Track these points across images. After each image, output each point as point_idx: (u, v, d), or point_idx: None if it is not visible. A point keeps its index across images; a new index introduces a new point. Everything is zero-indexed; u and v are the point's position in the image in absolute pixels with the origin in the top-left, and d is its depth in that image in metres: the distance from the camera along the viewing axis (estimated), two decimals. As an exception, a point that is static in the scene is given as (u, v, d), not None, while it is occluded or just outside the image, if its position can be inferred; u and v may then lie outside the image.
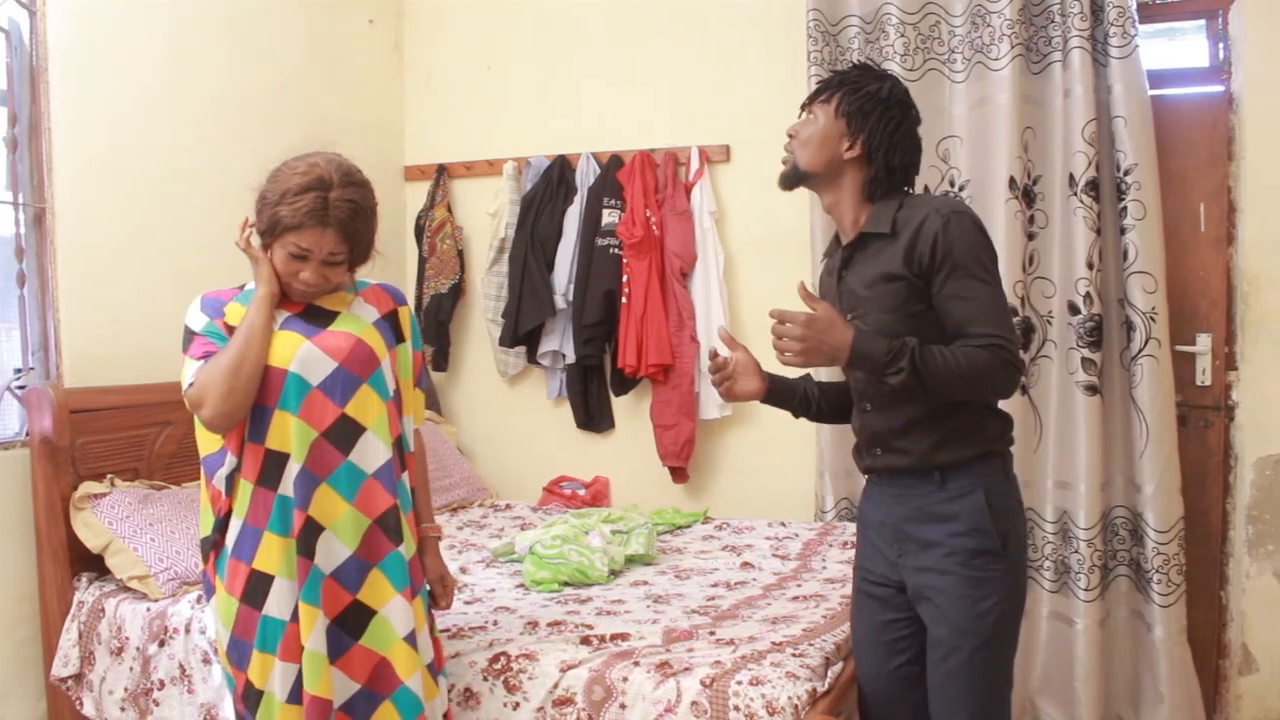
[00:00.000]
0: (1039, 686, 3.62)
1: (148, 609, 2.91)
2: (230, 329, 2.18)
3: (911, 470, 2.15)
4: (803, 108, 2.27)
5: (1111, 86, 3.45)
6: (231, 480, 2.17)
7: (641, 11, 4.29)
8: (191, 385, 2.13)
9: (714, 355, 2.34)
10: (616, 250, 4.13)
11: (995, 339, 2.00)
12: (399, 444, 2.27)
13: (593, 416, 4.37)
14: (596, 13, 4.37)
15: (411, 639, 2.18)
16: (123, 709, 2.91)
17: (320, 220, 2.09)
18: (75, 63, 3.25)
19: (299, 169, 2.13)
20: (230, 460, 2.17)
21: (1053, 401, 3.60)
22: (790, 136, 2.25)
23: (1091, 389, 3.49)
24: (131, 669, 2.90)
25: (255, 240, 2.22)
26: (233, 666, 2.19)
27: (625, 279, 4.11)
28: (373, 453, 2.18)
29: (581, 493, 4.34)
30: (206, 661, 2.77)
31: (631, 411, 4.33)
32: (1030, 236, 3.60)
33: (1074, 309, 3.52)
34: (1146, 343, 3.43)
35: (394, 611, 2.17)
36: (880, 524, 2.24)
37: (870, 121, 2.15)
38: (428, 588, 2.37)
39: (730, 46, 4.15)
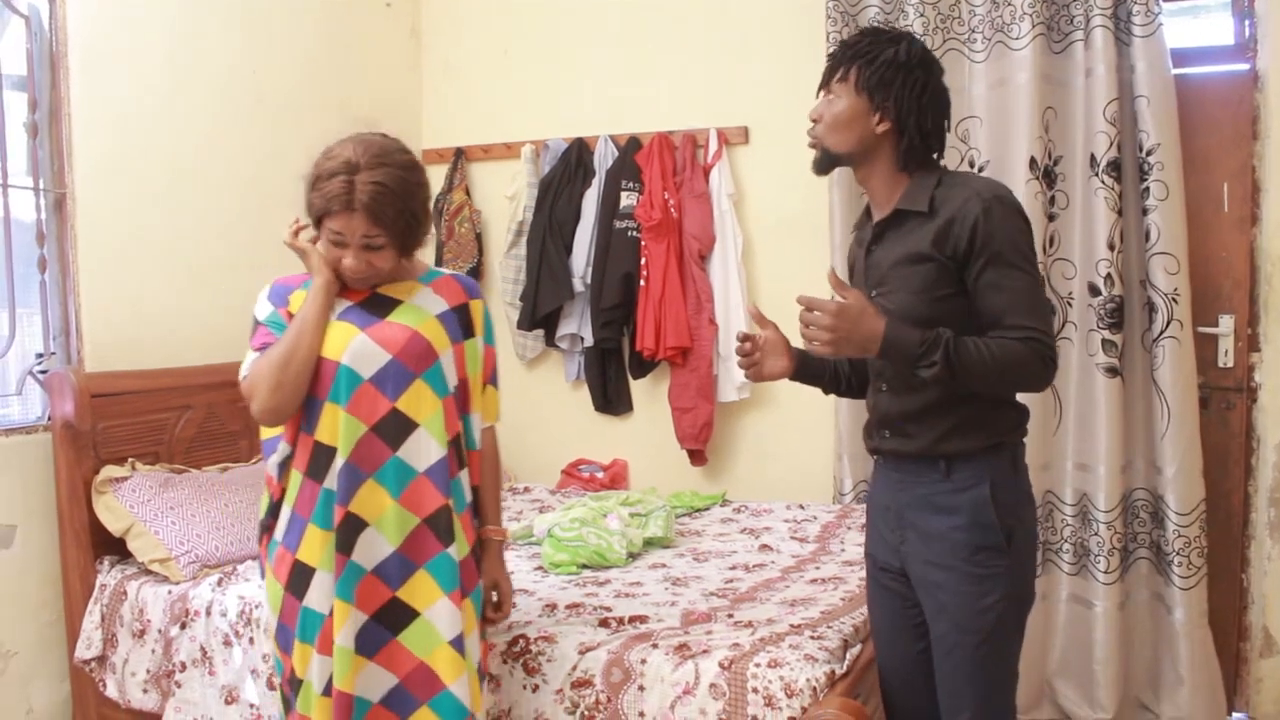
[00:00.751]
0: (1057, 669, 3.61)
1: (169, 591, 2.93)
2: (292, 318, 2.16)
3: (916, 456, 2.08)
4: (820, 88, 2.17)
5: (1134, 65, 3.41)
6: (284, 468, 2.18)
7: (658, -7, 4.27)
8: (245, 378, 2.15)
9: (743, 337, 2.24)
10: (635, 233, 4.12)
11: (1032, 332, 1.92)
12: (457, 442, 2.22)
13: (611, 399, 4.37)
14: (613, -6, 4.35)
15: (458, 643, 2.12)
16: (145, 690, 2.94)
17: (346, 204, 2.05)
18: (95, 49, 3.26)
19: (332, 153, 2.10)
20: (284, 448, 2.18)
21: (1073, 383, 3.58)
22: (814, 121, 2.14)
23: (1112, 371, 3.47)
24: (153, 651, 2.93)
25: (306, 234, 2.19)
26: (280, 650, 2.20)
27: (643, 261, 4.10)
28: (425, 450, 2.14)
29: (600, 475, 4.34)
30: (227, 644, 2.79)
31: (650, 394, 4.33)
32: (1051, 217, 3.58)
33: (1095, 290, 3.50)
34: (1168, 324, 3.40)
35: (439, 614, 2.12)
36: (885, 508, 2.17)
37: (894, 90, 2.04)
38: (481, 588, 2.31)
39: (749, 27, 4.13)
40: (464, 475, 2.25)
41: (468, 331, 2.29)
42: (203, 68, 3.63)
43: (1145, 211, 3.43)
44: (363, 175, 2.05)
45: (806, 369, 2.30)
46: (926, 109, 2.05)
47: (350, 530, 2.10)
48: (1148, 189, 3.41)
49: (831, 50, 3.70)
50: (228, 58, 3.73)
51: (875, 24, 3.74)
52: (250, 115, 3.81)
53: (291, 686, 2.18)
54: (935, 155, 2.11)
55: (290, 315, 2.18)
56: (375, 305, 2.18)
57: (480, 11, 4.62)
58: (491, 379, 2.37)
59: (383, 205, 2.06)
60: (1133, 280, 3.51)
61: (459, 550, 2.17)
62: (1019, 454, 2.10)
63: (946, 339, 1.90)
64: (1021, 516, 2.05)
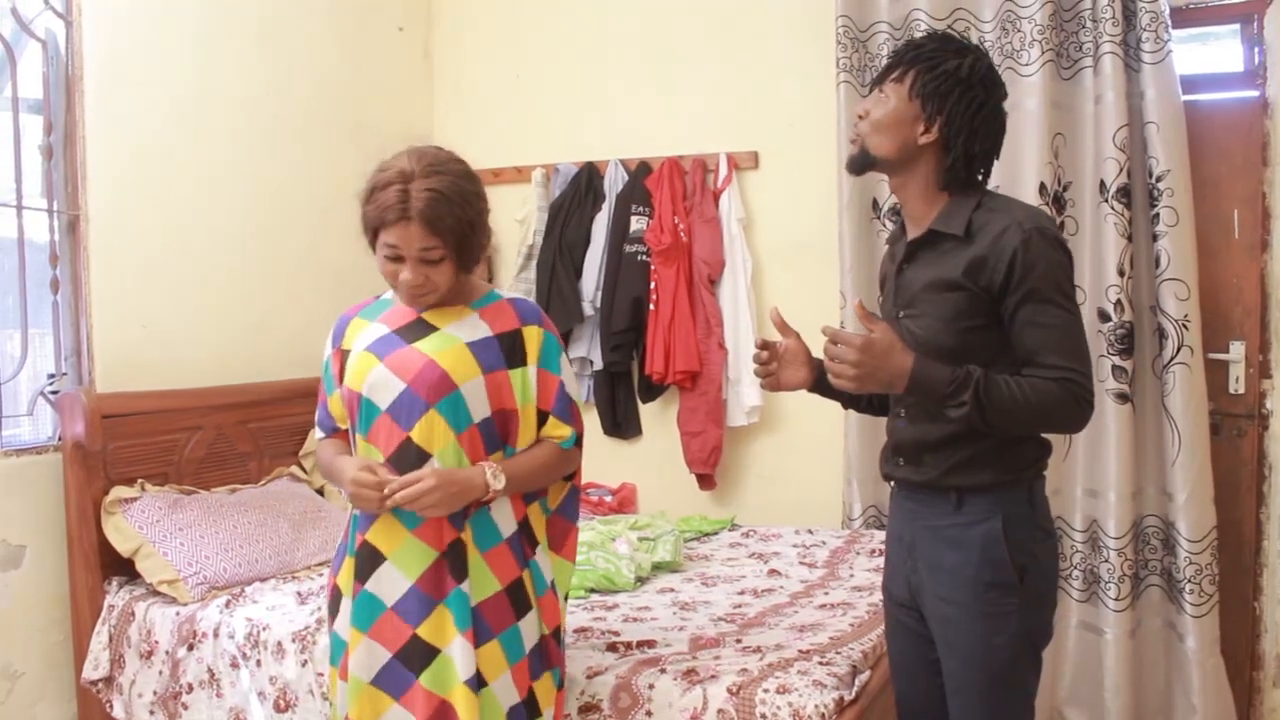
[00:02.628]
0: (1067, 697, 3.59)
1: (177, 613, 2.93)
2: (343, 356, 2.17)
3: (927, 486, 2.01)
4: (873, 84, 2.06)
5: (1144, 92, 3.42)
6: None
7: (670, 18, 4.29)
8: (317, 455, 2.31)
9: (761, 344, 2.16)
10: (644, 257, 4.13)
11: (1068, 372, 1.84)
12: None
13: (620, 423, 4.37)
14: (625, 20, 4.38)
15: (473, 683, 2.05)
16: (152, 712, 2.93)
17: (402, 213, 1.97)
18: (110, 72, 3.29)
19: (387, 164, 2.05)
20: None
21: (1083, 409, 3.57)
22: (860, 117, 2.04)
23: (1123, 397, 3.46)
24: (161, 672, 2.92)
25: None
26: (330, 665, 2.23)
27: (653, 285, 4.10)
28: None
29: (608, 499, 4.34)
30: (235, 666, 2.78)
31: (659, 418, 4.33)
32: (1060, 243, 3.57)
33: (1105, 316, 3.49)
34: (1179, 350, 3.39)
35: (455, 652, 2.06)
36: (898, 538, 2.12)
37: (949, 103, 1.94)
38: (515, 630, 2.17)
39: (759, 53, 4.14)
40: (495, 510, 2.14)
41: (515, 360, 2.15)
42: (217, 91, 3.66)
43: (1155, 238, 3.43)
44: (417, 184, 1.98)
45: (826, 381, 2.10)
46: (979, 130, 1.96)
47: (368, 560, 2.10)
48: (1158, 215, 3.41)
49: (847, 81, 3.76)
50: (242, 80, 3.75)
51: (884, 49, 3.75)
52: (264, 138, 3.83)
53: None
54: (981, 178, 2.03)
55: (342, 354, 2.19)
56: (410, 331, 2.13)
57: (492, 35, 4.65)
58: (556, 408, 2.21)
59: (439, 213, 1.99)
60: (1143, 306, 3.51)
61: (472, 589, 2.09)
62: (1037, 488, 2.01)
63: (977, 379, 1.82)
64: (1036, 553, 1.96)
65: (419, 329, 2.13)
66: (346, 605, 2.13)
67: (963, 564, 1.94)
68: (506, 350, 2.15)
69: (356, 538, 2.11)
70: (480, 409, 2.11)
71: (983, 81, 1.96)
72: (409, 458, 2.07)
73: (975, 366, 1.84)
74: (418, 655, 2.07)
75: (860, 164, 2.06)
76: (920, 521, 2.03)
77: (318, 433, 2.30)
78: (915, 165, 1.99)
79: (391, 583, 2.09)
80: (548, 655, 2.19)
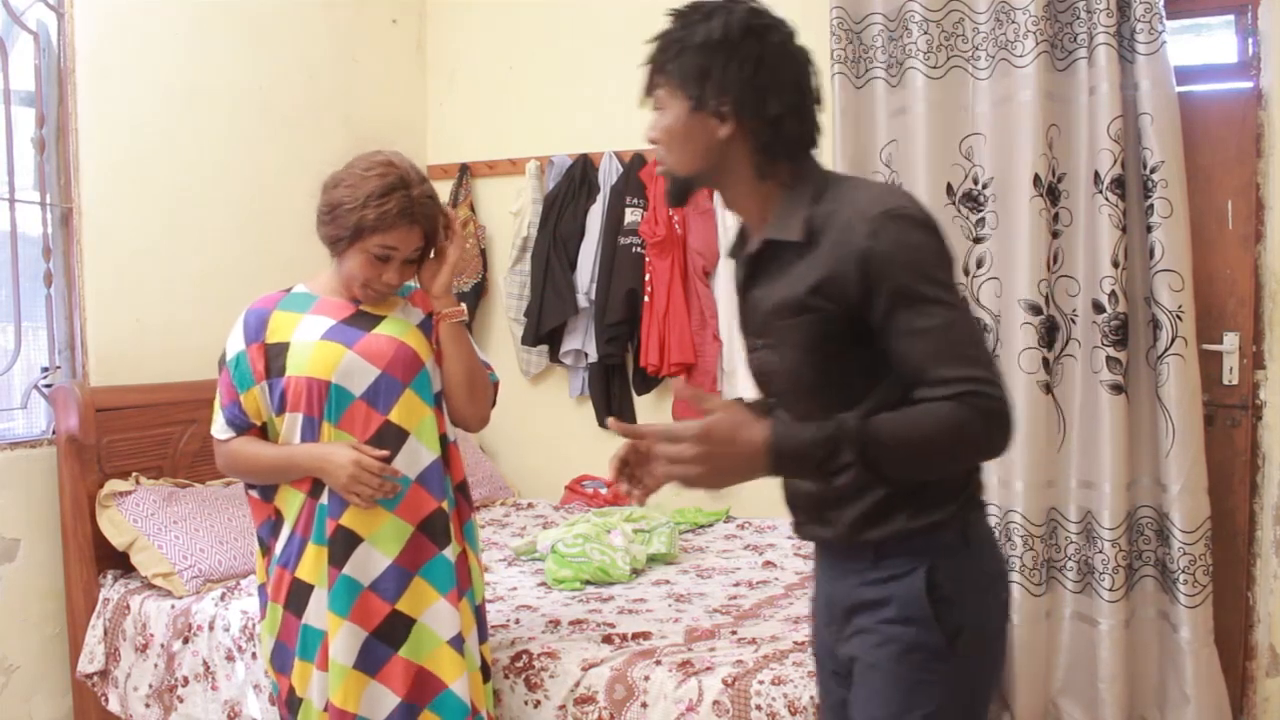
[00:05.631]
0: (1061, 688, 3.59)
1: (172, 606, 2.93)
2: (266, 351, 2.15)
3: (839, 542, 1.66)
4: (646, 98, 1.78)
5: (1138, 83, 3.42)
6: (275, 489, 2.20)
7: (664, 8, 4.27)
8: (218, 453, 2.25)
9: (620, 463, 1.82)
10: (639, 249, 4.13)
11: (964, 383, 1.44)
12: (445, 440, 2.25)
13: (615, 415, 4.36)
14: (618, 11, 4.36)
15: (457, 642, 2.15)
16: (147, 705, 2.94)
17: (409, 219, 2.09)
18: (102, 64, 3.28)
19: (374, 171, 2.10)
20: None
21: (1076, 400, 3.57)
22: (652, 143, 1.73)
23: (1117, 388, 3.46)
24: (156, 665, 2.92)
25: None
26: (276, 671, 2.21)
27: (648, 278, 4.10)
28: (417, 456, 2.17)
29: (604, 491, 4.34)
30: (230, 658, 2.78)
31: (654, 410, 4.33)
32: (1054, 235, 3.57)
33: (1099, 307, 3.49)
34: (1173, 341, 3.40)
35: (436, 616, 2.14)
36: (818, 598, 1.79)
37: (718, 78, 1.60)
38: (475, 590, 2.31)
39: (753, 44, 4.13)
40: (449, 475, 2.26)
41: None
42: (210, 83, 3.65)
43: (1149, 229, 3.43)
44: (416, 190, 2.10)
45: None
46: (769, 88, 1.59)
47: (343, 544, 2.11)
48: (1152, 206, 3.41)
49: (841, 73, 3.74)
50: (235, 73, 3.74)
51: (879, 41, 3.75)
52: (257, 131, 3.83)
53: (290, 707, 2.18)
54: (805, 151, 1.67)
55: (265, 349, 2.16)
56: (362, 320, 2.20)
57: (485, 28, 4.64)
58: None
59: (434, 218, 2.15)
60: (1137, 297, 3.51)
61: (454, 551, 2.20)
62: (974, 522, 1.66)
63: (853, 430, 1.43)
64: (975, 611, 1.61)
65: (368, 318, 2.20)
66: (320, 595, 2.13)
67: (884, 623, 1.60)
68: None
69: (327, 525, 2.11)
70: (436, 384, 2.24)
71: (749, 32, 1.61)
72: (388, 439, 2.13)
73: (849, 415, 1.45)
74: (397, 629, 2.13)
75: (678, 192, 1.72)
76: (838, 582, 1.69)
77: (224, 432, 2.23)
78: (731, 167, 1.65)
79: (370, 563, 2.12)
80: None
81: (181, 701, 2.87)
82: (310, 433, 2.14)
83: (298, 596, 2.15)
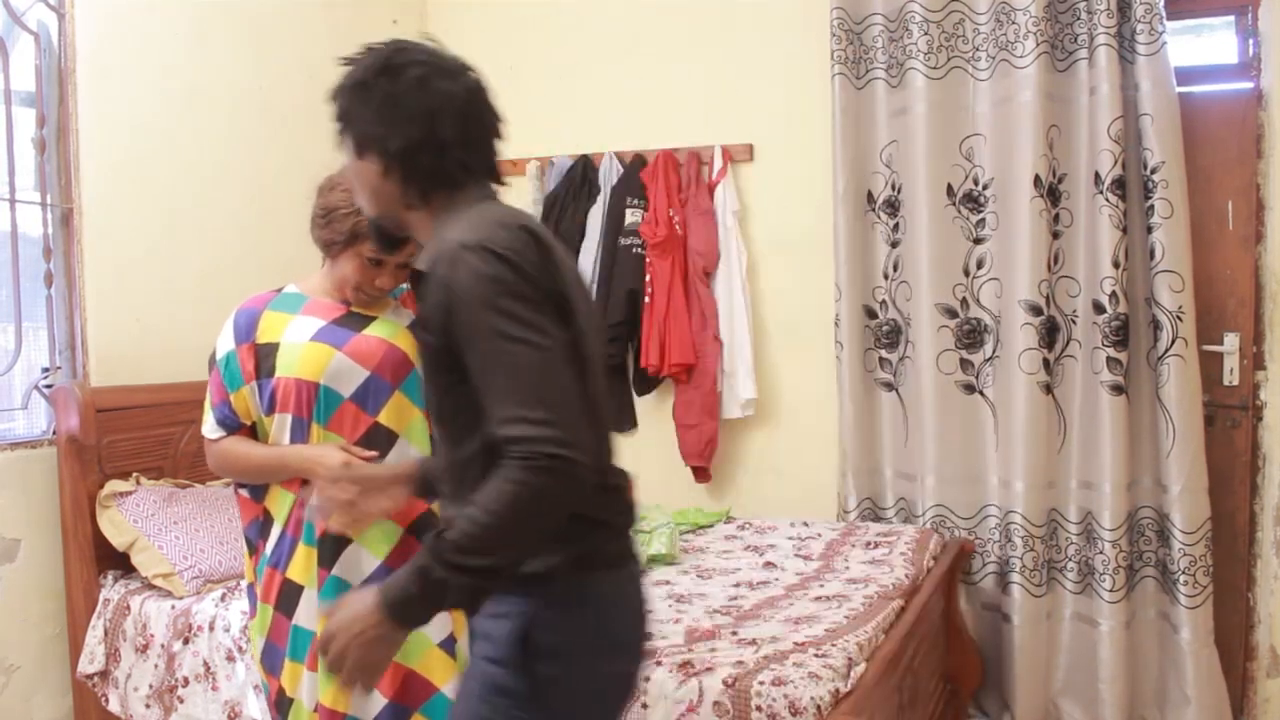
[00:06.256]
0: (1062, 688, 3.60)
1: (172, 606, 2.93)
2: (257, 351, 2.15)
3: None
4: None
5: (1138, 84, 3.42)
6: (266, 488, 2.18)
7: (664, 11, 4.29)
8: (209, 452, 2.22)
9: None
10: (639, 250, 4.12)
11: (511, 425, 1.41)
12: (434, 440, 2.24)
13: (615, 416, 4.36)
14: (619, 12, 4.37)
15: (449, 644, 2.13)
16: (148, 705, 2.93)
17: None
18: (102, 64, 3.28)
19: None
20: None
21: (1077, 401, 3.58)
22: (348, 193, 1.80)
23: (1117, 389, 3.46)
24: (156, 666, 2.92)
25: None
26: (266, 672, 2.20)
27: (648, 278, 4.10)
28: (408, 458, 2.13)
29: (604, 492, 4.33)
30: (230, 659, 2.78)
31: (654, 411, 4.32)
32: (1055, 235, 3.58)
33: (1099, 308, 3.50)
34: (1173, 342, 3.40)
35: None
36: None
37: (360, 119, 1.64)
38: None
39: (754, 45, 4.14)
40: None
41: None
42: (210, 84, 3.65)
43: (1150, 229, 3.44)
44: None
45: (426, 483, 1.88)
46: (394, 124, 1.60)
47: (333, 545, 2.10)
48: (1152, 207, 3.41)
49: (841, 73, 3.75)
50: (235, 74, 3.74)
51: (879, 42, 3.75)
52: (257, 131, 3.82)
53: (279, 708, 2.18)
54: (452, 181, 1.65)
55: (255, 349, 2.15)
56: (352, 321, 2.18)
57: (486, 28, 4.63)
58: None
59: None
60: (1137, 298, 3.51)
61: None
62: (595, 588, 1.59)
63: (429, 548, 1.42)
64: (576, 670, 1.55)
65: (359, 319, 2.19)
66: (310, 596, 2.12)
67: (479, 658, 1.61)
68: None
69: (316, 525, 2.10)
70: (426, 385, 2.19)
71: (382, 71, 1.63)
72: (377, 441, 2.12)
73: (429, 535, 1.45)
74: None
75: (376, 237, 1.85)
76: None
77: (214, 431, 2.21)
78: (397, 203, 1.67)
79: (359, 563, 2.11)
80: None
81: (182, 702, 2.87)
82: (300, 434, 2.13)
83: (288, 597, 2.14)
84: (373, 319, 2.19)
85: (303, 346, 2.13)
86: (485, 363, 1.46)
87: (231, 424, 2.20)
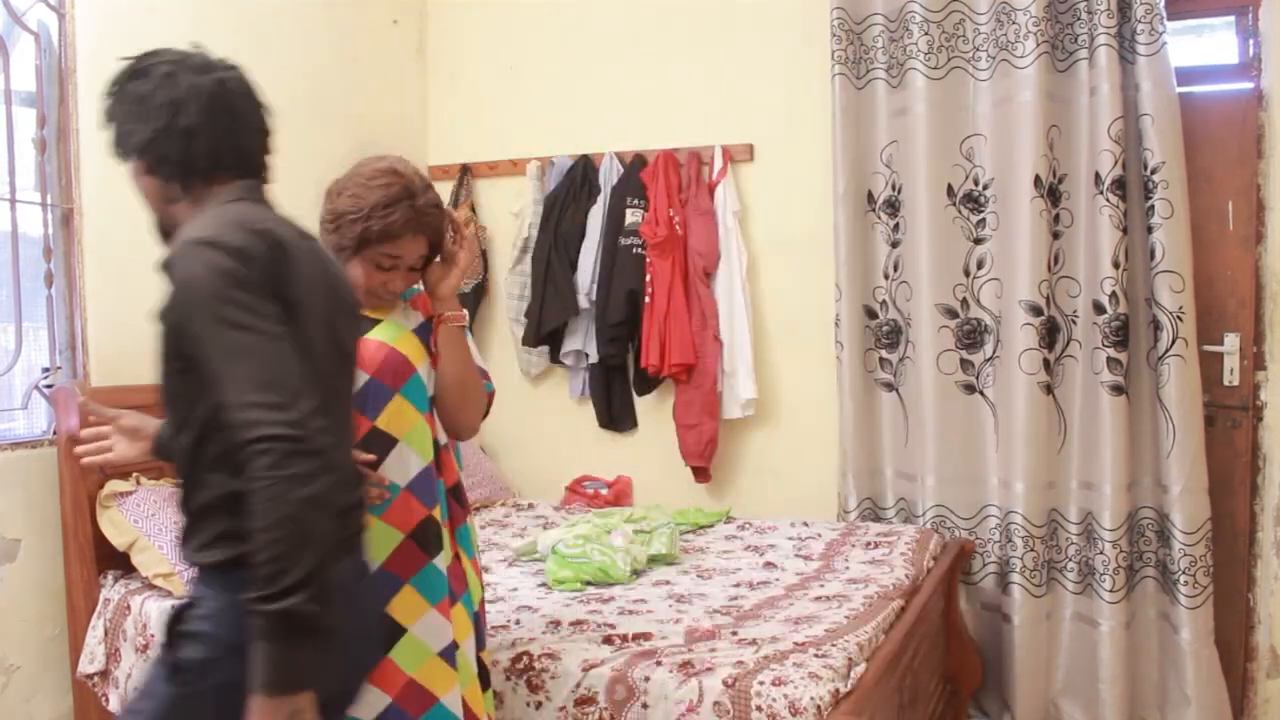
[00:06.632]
0: (1062, 688, 3.60)
1: (172, 606, 2.93)
2: None
3: None
4: None
5: (1139, 84, 3.43)
6: None
7: (664, 11, 4.29)
8: None
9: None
10: (640, 250, 4.13)
11: (248, 416, 1.43)
12: (437, 445, 2.20)
13: (615, 416, 4.37)
14: (619, 12, 4.37)
15: (449, 652, 2.11)
16: (148, 705, 2.93)
17: (416, 228, 2.07)
18: (102, 64, 3.24)
19: (379, 180, 2.08)
20: None
21: (1077, 401, 3.58)
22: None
23: (1117, 389, 3.46)
24: (157, 666, 2.92)
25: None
26: None
27: (648, 278, 4.10)
28: (406, 464, 2.12)
29: (604, 492, 4.34)
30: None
31: (654, 411, 4.33)
32: (1055, 235, 3.58)
33: (1099, 308, 3.50)
34: (1174, 342, 3.40)
35: (427, 627, 2.10)
36: None
37: (116, 126, 1.73)
38: (471, 595, 2.25)
39: (754, 45, 4.14)
40: (442, 479, 2.22)
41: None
42: (210, 84, 3.65)
43: (1150, 230, 3.44)
44: (422, 199, 2.08)
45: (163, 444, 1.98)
46: (143, 117, 1.67)
47: None
48: (1153, 207, 3.41)
49: (841, 74, 3.75)
50: (235, 74, 3.74)
51: (879, 42, 3.76)
52: (257, 131, 3.82)
53: None
54: (201, 173, 1.70)
55: None
56: None
57: (486, 28, 4.64)
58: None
59: (439, 226, 2.12)
60: (1138, 298, 3.52)
61: (445, 558, 2.15)
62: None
63: (248, 604, 1.42)
64: (218, 662, 1.56)
65: (363, 323, 2.15)
66: None
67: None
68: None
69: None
70: (431, 388, 2.19)
71: (134, 74, 1.72)
72: (376, 445, 2.10)
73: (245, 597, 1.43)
74: (386, 634, 2.08)
75: (163, 238, 1.82)
76: None
77: None
78: (159, 199, 1.76)
79: None
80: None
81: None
82: None
83: None
84: (376, 322, 2.18)
85: None
86: (215, 352, 1.49)
87: None
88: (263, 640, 1.40)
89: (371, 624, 1.88)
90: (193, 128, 1.66)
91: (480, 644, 2.27)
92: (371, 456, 2.07)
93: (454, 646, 2.13)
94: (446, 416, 2.22)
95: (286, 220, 1.73)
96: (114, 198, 3.30)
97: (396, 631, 2.10)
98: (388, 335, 2.16)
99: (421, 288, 2.26)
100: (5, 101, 3.12)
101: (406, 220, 2.05)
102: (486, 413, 2.31)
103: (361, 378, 2.10)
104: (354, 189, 2.09)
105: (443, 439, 2.24)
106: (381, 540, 2.10)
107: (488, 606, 2.79)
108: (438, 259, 2.19)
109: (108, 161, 3.31)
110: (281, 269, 1.57)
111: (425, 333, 2.22)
